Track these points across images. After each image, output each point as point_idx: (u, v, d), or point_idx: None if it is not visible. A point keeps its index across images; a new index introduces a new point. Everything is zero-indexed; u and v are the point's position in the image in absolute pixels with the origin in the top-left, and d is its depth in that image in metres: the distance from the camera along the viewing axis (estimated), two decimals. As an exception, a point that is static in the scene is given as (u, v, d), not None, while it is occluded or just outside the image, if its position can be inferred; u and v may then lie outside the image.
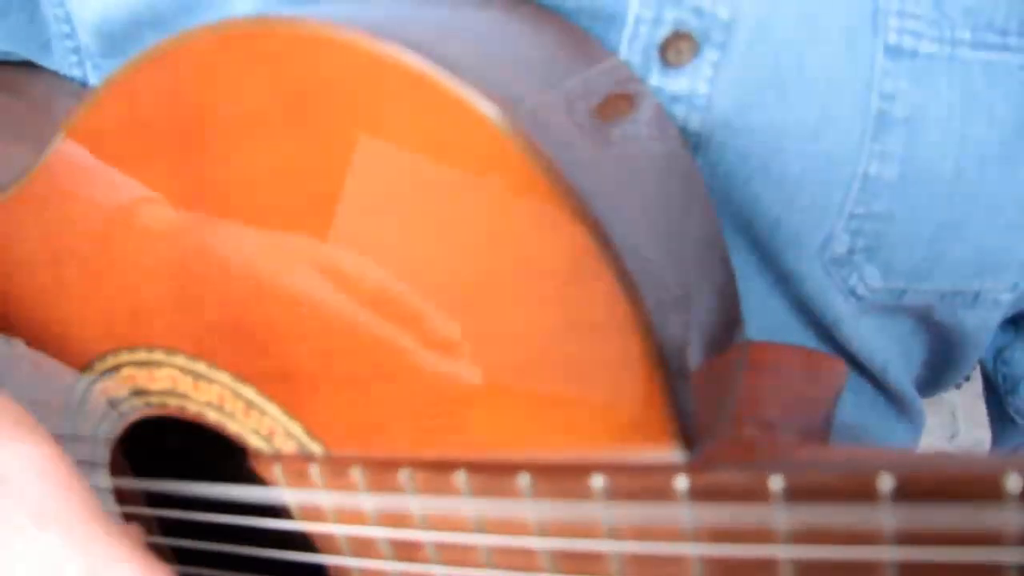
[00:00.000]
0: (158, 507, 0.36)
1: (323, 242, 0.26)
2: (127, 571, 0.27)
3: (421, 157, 0.24)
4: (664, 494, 0.23)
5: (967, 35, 0.32)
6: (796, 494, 0.22)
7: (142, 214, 0.29)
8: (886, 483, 0.21)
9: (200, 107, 0.27)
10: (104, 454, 0.35)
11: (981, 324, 0.37)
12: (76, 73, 0.40)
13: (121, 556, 0.27)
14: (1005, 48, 0.32)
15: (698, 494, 0.23)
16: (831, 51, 0.31)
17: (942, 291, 0.35)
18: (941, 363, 0.39)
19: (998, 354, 0.42)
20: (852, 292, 0.34)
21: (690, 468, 0.23)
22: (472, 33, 0.27)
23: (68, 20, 0.39)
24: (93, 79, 0.40)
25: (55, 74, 0.41)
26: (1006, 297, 0.36)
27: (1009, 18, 0.32)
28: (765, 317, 0.34)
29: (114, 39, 0.37)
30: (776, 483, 0.22)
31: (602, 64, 0.29)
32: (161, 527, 0.36)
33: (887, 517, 0.21)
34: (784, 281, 0.34)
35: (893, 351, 0.37)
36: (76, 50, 0.40)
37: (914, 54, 0.31)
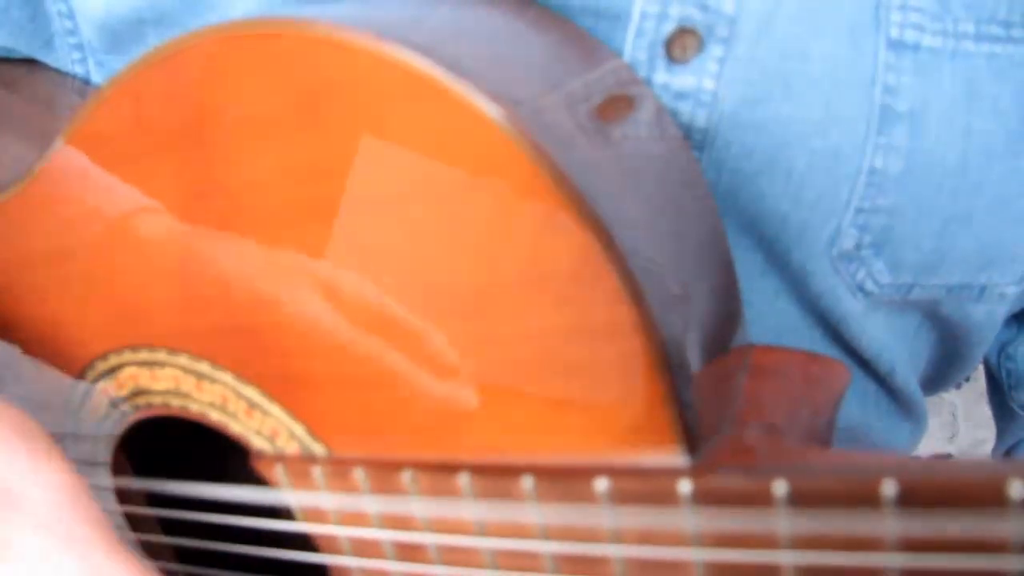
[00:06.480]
0: (159, 507, 0.36)
1: (328, 244, 0.26)
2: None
3: (425, 159, 0.24)
4: (667, 498, 0.23)
5: (970, 28, 0.32)
6: (800, 499, 0.22)
7: (145, 216, 0.29)
8: (889, 488, 0.21)
9: (205, 108, 0.27)
10: (105, 453, 0.35)
11: (987, 318, 0.37)
12: (79, 70, 0.40)
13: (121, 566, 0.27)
14: (1009, 40, 0.32)
15: (701, 498, 0.23)
16: (834, 45, 0.31)
17: (949, 285, 0.35)
18: (946, 360, 0.39)
19: (1002, 350, 0.43)
20: (860, 288, 0.34)
21: (693, 472, 0.23)
22: (476, 34, 0.27)
23: (71, 16, 0.39)
24: (96, 76, 0.40)
25: (57, 71, 0.41)
26: (1012, 290, 0.36)
27: (1012, 10, 0.32)
28: (773, 318, 0.34)
29: (117, 35, 0.37)
30: (780, 488, 0.22)
31: (605, 65, 0.29)
32: (162, 526, 0.36)
33: (890, 523, 0.21)
34: (792, 280, 0.34)
35: (900, 349, 0.37)
36: (79, 46, 0.39)
37: (917, 48, 0.31)
